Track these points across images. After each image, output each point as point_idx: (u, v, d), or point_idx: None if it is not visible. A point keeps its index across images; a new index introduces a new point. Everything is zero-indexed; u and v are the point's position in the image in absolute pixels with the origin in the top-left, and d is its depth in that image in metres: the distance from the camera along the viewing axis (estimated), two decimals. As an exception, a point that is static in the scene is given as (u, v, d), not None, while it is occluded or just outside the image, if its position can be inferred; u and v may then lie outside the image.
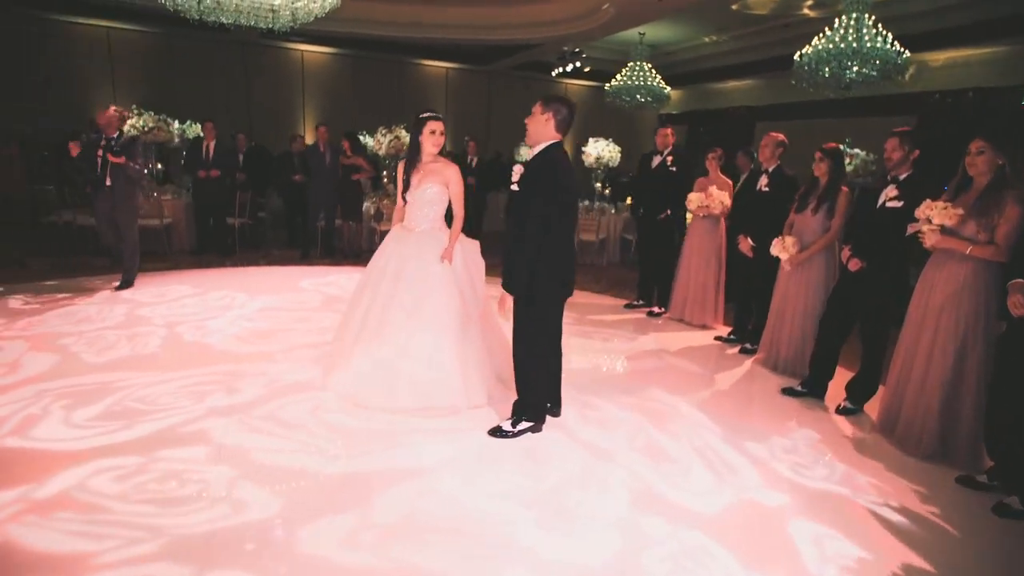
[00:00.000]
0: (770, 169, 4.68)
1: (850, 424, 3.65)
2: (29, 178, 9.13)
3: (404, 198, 3.47)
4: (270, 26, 8.20)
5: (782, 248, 4.20)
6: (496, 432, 3.21)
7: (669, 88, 11.69)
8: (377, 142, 8.73)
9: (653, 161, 5.73)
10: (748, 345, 4.86)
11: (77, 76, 10.90)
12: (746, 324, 5.01)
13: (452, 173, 3.39)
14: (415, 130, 3.38)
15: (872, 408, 3.69)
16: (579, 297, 6.36)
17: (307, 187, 7.95)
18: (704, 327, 5.49)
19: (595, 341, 5.01)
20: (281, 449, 2.93)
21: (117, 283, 5.66)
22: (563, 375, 3.41)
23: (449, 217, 3.55)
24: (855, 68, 6.73)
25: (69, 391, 3.45)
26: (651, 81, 11.25)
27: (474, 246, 3.64)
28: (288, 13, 7.96)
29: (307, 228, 8.12)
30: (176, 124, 9.03)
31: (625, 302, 6.31)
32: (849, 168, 8.19)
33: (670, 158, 5.61)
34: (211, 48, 11.84)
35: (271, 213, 9.58)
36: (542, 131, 2.99)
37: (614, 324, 5.58)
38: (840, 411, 3.75)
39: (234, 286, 6.08)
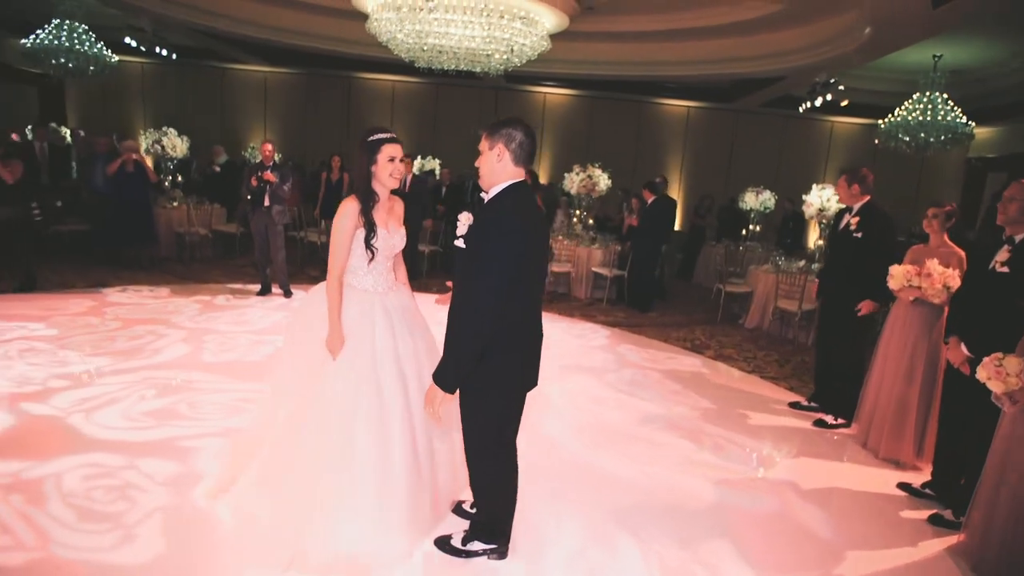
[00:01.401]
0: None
1: None
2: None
3: (371, 248, 2.43)
4: (486, 70, 8.55)
5: (1000, 373, 2.47)
6: (442, 544, 2.45)
7: (974, 124, 8.79)
8: (570, 181, 8.33)
9: (842, 220, 4.09)
10: (949, 514, 3.02)
11: (367, 121, 13.07)
12: (952, 477, 3.15)
13: (402, 210, 2.66)
14: (367, 156, 2.42)
15: None
16: (742, 383, 4.98)
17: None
18: (894, 463, 3.66)
19: (705, 451, 3.71)
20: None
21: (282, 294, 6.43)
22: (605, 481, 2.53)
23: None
24: None
25: (162, 383, 3.84)
26: (946, 116, 8.59)
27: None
28: (501, 57, 8.13)
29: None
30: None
31: (794, 399, 4.67)
32: None
33: (855, 219, 3.92)
34: (470, 92, 13.04)
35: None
36: (496, 170, 2.17)
37: (755, 429, 4.10)
38: None
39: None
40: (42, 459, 2.87)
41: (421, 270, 8.35)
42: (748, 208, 9.50)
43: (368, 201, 2.44)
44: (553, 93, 13.21)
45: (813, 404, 4.48)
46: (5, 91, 12.46)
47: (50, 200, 7.35)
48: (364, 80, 13.35)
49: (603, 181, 8.13)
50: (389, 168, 2.44)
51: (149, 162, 7.91)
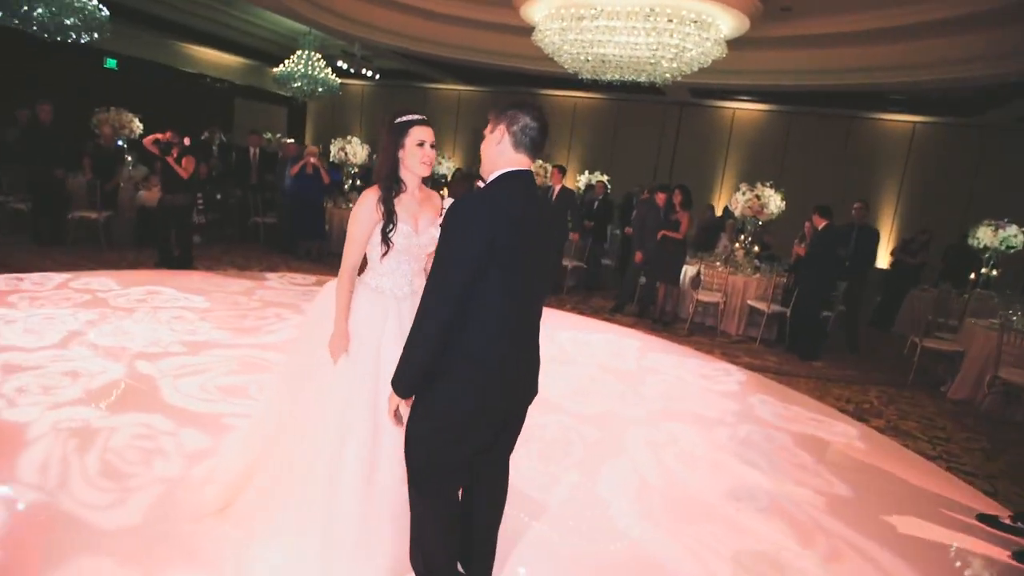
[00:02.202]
0: None
1: None
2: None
3: (388, 241, 2.12)
4: (652, 79, 7.92)
5: None
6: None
7: None
8: (735, 201, 7.27)
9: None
10: None
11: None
12: None
13: (439, 206, 2.29)
14: (394, 139, 2.12)
15: None
16: (912, 471, 3.78)
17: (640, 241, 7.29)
18: None
19: (810, 556, 2.74)
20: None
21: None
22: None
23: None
24: None
25: (250, 361, 4.08)
26: None
27: None
28: (668, 65, 7.47)
29: (624, 282, 7.48)
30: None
31: (991, 511, 3.30)
32: None
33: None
34: (652, 108, 12.42)
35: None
36: (495, 155, 1.79)
37: (907, 544, 2.95)
38: None
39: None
40: (116, 412, 3.14)
41: (563, 285, 8.00)
42: (982, 246, 7.40)
43: (390, 189, 2.17)
44: (743, 108, 11.90)
45: (1021, 525, 3.13)
46: (263, 110, 15.10)
47: (253, 196, 8.55)
48: (547, 96, 13.47)
49: (774, 203, 6.95)
50: (419, 154, 2.13)
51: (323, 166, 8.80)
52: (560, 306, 7.17)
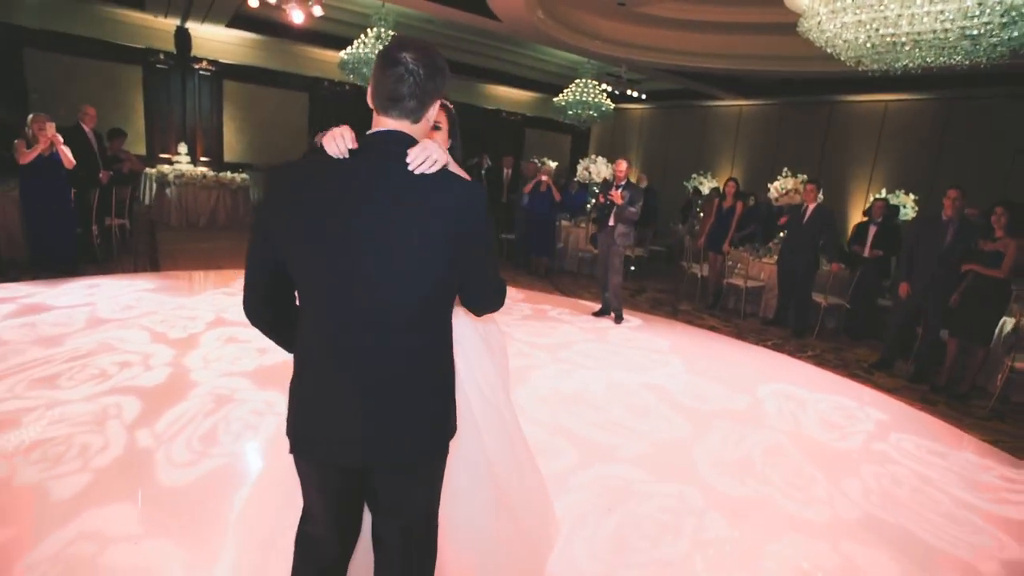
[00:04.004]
0: None
1: None
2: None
3: None
4: (970, 58, 5.64)
5: None
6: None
7: None
8: None
9: None
10: None
11: (846, 147, 10.87)
12: None
13: None
14: None
15: None
16: None
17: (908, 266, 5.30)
18: None
19: None
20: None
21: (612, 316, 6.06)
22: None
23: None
24: None
25: None
26: None
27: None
28: (1000, 36, 5.26)
29: (890, 326, 5.47)
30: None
31: None
32: None
33: None
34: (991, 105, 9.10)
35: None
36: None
37: None
38: None
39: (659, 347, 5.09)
40: (174, 402, 3.34)
41: (813, 326, 6.33)
42: None
43: None
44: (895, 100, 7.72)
45: None
46: (550, 138, 16.23)
47: (502, 214, 9.09)
48: (847, 103, 11.08)
49: None
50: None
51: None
52: (797, 351, 5.67)
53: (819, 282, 6.43)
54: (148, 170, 9.26)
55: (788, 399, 4.36)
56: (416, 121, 1.29)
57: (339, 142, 1.24)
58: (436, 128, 1.76)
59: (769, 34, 8.43)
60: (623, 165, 5.73)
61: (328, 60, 9.84)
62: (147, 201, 9.02)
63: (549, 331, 5.43)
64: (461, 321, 1.73)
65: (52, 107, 8.37)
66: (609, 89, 11.27)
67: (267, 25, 10.34)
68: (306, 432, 1.31)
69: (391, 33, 9.73)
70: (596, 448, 3.26)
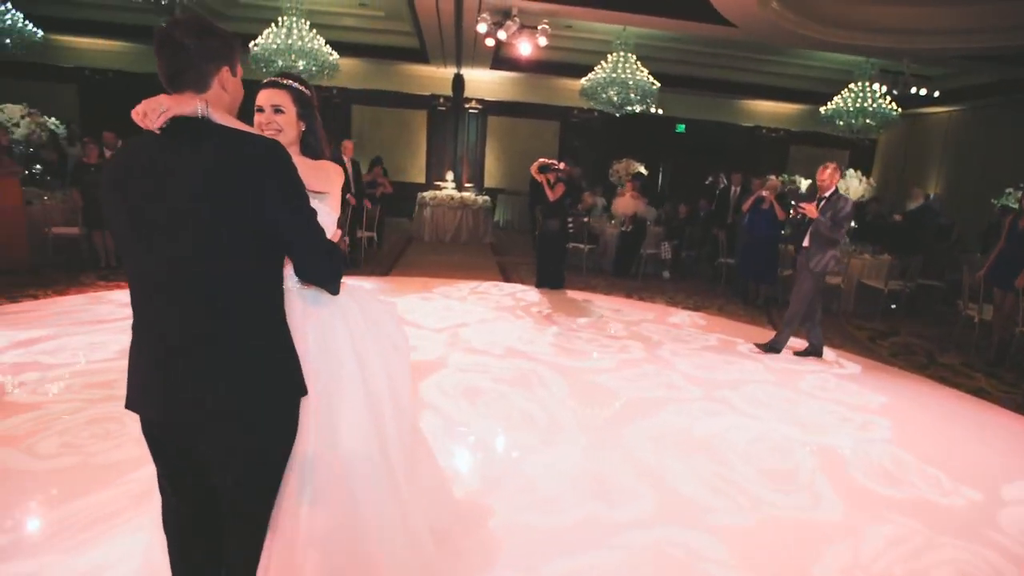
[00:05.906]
0: None
1: None
2: None
3: None
4: None
5: None
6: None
7: None
8: None
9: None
10: None
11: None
12: None
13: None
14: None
15: None
16: None
17: None
18: None
19: None
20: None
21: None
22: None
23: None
24: None
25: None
26: None
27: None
28: None
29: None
30: None
31: None
32: None
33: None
34: None
35: None
36: None
37: None
38: None
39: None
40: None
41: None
42: None
43: None
44: None
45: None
46: (820, 154, 13.98)
47: (727, 236, 8.14)
48: None
49: None
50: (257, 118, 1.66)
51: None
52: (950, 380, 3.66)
53: None
54: (421, 194, 10.96)
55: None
56: (202, 90, 1.25)
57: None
58: (279, 111, 1.59)
59: None
60: (826, 172, 4.63)
61: (576, 89, 10.33)
62: (412, 219, 10.70)
63: (723, 366, 4.62)
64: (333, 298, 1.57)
65: (368, 148, 10.69)
66: (886, 90, 9.17)
67: (523, 63, 11.36)
68: (134, 393, 1.35)
69: (631, 57, 9.72)
70: (683, 506, 2.63)
